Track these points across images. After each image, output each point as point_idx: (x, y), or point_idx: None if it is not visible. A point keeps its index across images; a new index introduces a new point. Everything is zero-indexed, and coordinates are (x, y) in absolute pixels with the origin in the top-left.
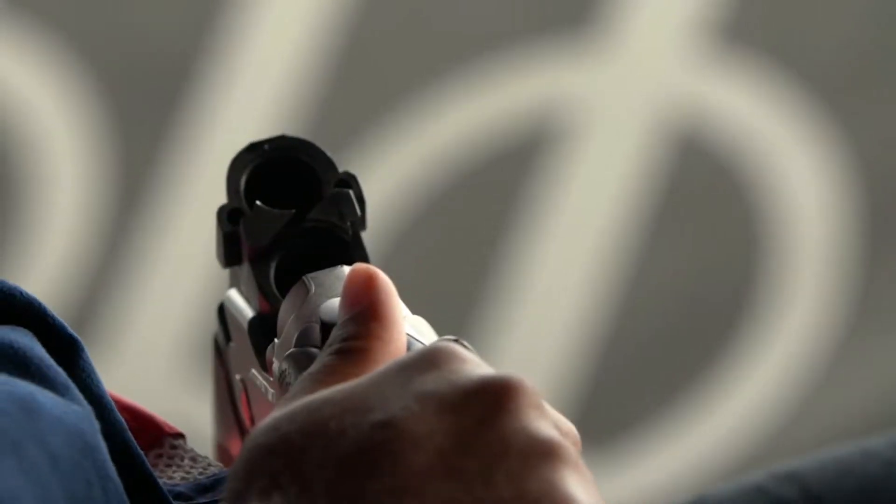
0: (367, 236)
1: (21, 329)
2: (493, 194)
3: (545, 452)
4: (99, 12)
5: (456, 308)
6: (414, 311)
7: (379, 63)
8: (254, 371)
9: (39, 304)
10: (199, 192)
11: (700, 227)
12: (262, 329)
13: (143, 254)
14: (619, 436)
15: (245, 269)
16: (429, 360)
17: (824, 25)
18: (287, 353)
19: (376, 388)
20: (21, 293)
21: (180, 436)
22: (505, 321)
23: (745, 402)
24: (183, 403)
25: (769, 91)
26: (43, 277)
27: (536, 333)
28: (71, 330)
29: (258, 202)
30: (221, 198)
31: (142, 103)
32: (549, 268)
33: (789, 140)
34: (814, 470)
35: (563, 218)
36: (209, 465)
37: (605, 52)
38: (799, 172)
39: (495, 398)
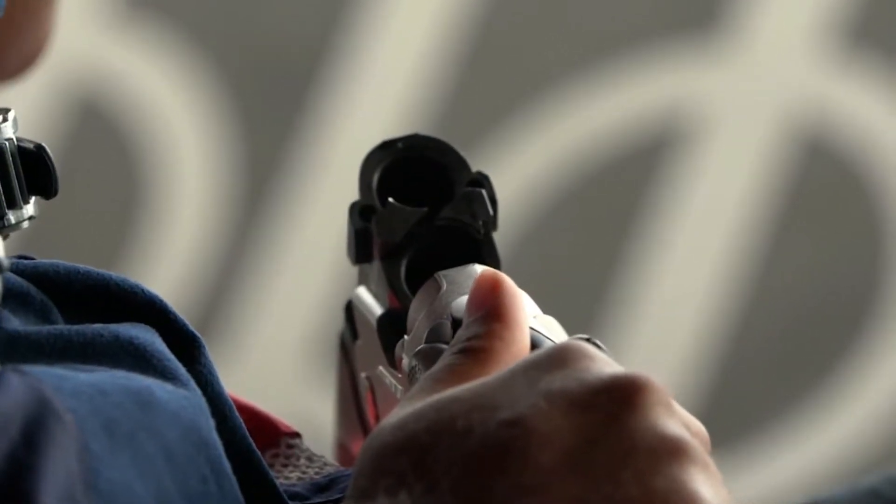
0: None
1: (142, 325)
2: (618, 194)
3: (673, 451)
4: (226, 12)
5: (580, 307)
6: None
7: (503, 65)
8: (381, 368)
9: (161, 301)
10: (323, 192)
11: (825, 229)
12: (392, 326)
13: (268, 254)
14: (739, 438)
15: (375, 267)
16: (557, 358)
17: None
18: (417, 349)
19: (504, 386)
20: (143, 290)
21: (297, 435)
22: (629, 321)
23: (868, 406)
24: (305, 402)
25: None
26: (169, 276)
27: (660, 334)
28: (192, 327)
29: (390, 199)
30: (346, 197)
31: (268, 102)
32: (674, 268)
33: None
34: None
35: (688, 218)
36: (325, 464)
37: (731, 54)
38: None
39: (624, 396)
